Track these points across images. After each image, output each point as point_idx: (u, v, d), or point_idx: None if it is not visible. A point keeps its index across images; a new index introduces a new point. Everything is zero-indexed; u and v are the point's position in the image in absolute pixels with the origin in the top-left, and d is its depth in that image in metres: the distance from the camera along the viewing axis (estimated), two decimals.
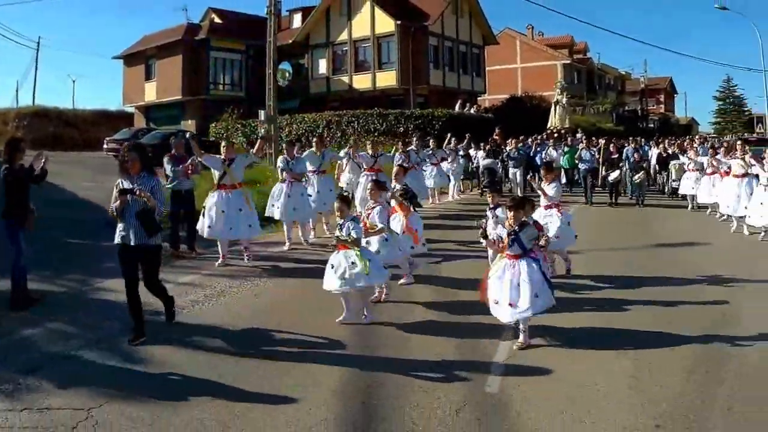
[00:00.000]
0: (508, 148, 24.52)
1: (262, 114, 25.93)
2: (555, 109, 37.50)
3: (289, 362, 7.06)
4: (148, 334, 7.74)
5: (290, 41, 44.56)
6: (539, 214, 10.54)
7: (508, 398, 6.16)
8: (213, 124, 39.72)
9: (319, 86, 46.48)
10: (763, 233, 14.35)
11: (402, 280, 10.34)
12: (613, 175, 22.17)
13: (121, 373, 6.78)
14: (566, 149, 25.48)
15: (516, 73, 65.10)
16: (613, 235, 16.13)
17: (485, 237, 7.87)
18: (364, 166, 16.04)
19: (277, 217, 13.75)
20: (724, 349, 7.30)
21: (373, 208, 9.37)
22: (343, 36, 45.04)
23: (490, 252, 9.96)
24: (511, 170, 24.12)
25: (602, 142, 24.88)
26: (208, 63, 45.17)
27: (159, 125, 42.96)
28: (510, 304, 7.44)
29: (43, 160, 9.50)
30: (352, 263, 8.14)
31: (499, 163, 24.01)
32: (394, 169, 12.38)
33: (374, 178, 13.86)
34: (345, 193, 12.22)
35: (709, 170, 18.62)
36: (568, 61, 66.99)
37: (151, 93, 47.37)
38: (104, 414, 5.76)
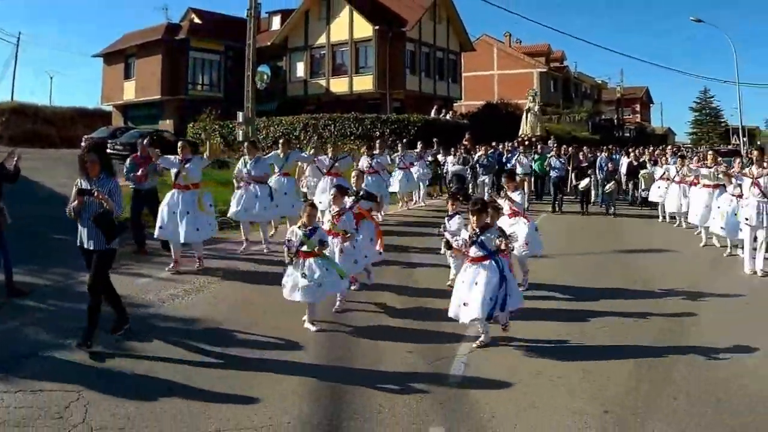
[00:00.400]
0: (477, 155, 24.44)
1: (240, 116, 26.26)
2: (526, 117, 37.33)
3: (263, 356, 7.54)
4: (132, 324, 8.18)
5: (269, 43, 44.82)
6: (504, 223, 10.31)
7: (468, 387, 6.69)
8: (191, 124, 39.88)
9: (296, 89, 46.81)
10: (729, 249, 14.14)
11: (362, 280, 10.58)
12: (583, 183, 22.27)
13: (108, 360, 7.23)
14: (536, 156, 25.36)
15: (493, 80, 65.79)
16: (580, 244, 16.23)
17: (449, 248, 8.08)
18: (324, 170, 15.97)
19: (228, 215, 13.90)
20: (675, 356, 7.62)
21: (341, 214, 9.40)
22: (322, 40, 45.43)
23: (451, 260, 10.35)
24: (481, 177, 24.12)
25: (571, 149, 25.23)
26: (187, 63, 45.26)
27: (137, 124, 43.02)
28: (464, 304, 7.67)
29: (15, 159, 9.60)
30: (327, 270, 8.39)
31: (469, 170, 24.03)
32: (354, 173, 12.14)
33: (336, 183, 13.99)
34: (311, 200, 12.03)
35: (677, 178, 18.58)
36: (545, 70, 67.88)
37: (129, 92, 47.38)
38: (93, 395, 6.20)
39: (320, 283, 8.29)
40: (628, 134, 71.21)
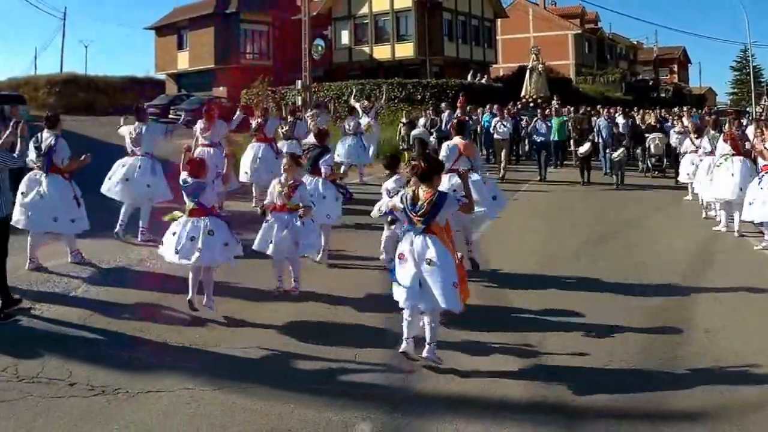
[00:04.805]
0: (443, 116, 21.71)
1: (299, 83, 29.02)
2: (530, 77, 35.10)
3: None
4: None
5: (315, 14, 47.02)
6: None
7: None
8: (244, 91, 42.55)
9: (342, 56, 49.20)
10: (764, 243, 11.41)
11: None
12: (583, 149, 20.26)
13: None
14: (553, 120, 22.45)
15: (529, 43, 66.49)
16: (565, 221, 14.78)
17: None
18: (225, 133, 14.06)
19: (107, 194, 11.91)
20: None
21: (295, 187, 8.63)
22: (364, 10, 47.82)
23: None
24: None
25: (572, 110, 24.91)
26: (237, 34, 48.05)
27: (190, 91, 45.81)
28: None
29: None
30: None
31: (434, 134, 21.21)
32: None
33: (288, 151, 12.66)
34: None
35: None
36: (579, 31, 69.00)
37: (183, 61, 50.39)
38: None
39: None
40: (664, 95, 69.84)
